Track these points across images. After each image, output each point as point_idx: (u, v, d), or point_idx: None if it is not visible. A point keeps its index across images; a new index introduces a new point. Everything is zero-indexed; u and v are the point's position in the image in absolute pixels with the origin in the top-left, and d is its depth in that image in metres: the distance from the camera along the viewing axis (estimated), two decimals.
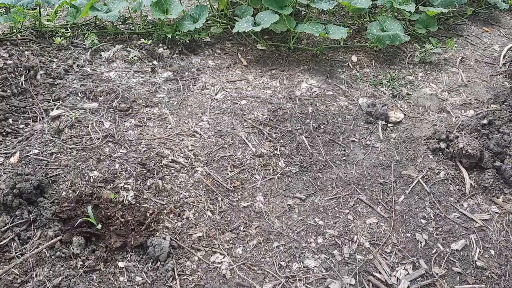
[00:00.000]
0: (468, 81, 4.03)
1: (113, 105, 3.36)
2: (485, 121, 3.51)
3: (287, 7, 4.09)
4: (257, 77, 3.87)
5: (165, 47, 4.10)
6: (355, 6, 4.15)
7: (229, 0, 4.61)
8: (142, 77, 3.70)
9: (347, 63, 4.15)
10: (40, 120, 3.16)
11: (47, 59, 3.77)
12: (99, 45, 3.99)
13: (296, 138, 3.26)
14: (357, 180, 2.97)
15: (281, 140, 3.22)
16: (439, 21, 4.70)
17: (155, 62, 3.90)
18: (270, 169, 2.98)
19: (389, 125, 3.49)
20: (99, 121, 3.20)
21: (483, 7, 5.05)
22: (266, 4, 4.04)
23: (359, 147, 3.25)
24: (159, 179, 2.81)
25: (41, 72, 3.57)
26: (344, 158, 3.14)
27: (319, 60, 4.16)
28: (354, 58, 4.23)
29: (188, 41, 4.06)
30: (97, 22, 4.35)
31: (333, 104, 3.63)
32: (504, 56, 4.39)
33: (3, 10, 4.37)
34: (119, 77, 3.67)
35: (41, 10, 4.17)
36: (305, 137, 3.28)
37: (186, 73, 3.82)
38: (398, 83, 3.92)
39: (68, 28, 4.24)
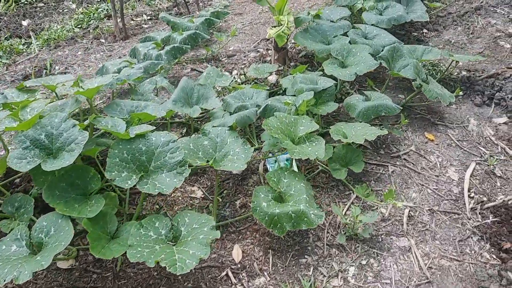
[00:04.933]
0: (430, 267, 2.37)
1: None
2: None
3: (97, 196, 2.16)
4: None
5: None
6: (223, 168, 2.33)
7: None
8: None
9: (224, 271, 2.31)
10: None
11: None
12: None
13: None
14: None
15: None
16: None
17: None
18: None
19: None
20: None
21: (415, 91, 3.46)
22: (51, 201, 2.08)
23: None
24: None
25: None
26: None
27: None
28: (236, 253, 2.40)
29: None
30: None
31: None
32: (469, 191, 2.81)
33: None
34: None
35: None
36: None
37: None
38: None
39: None
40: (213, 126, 2.57)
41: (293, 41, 4.25)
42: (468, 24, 4.55)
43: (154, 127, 2.41)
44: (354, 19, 4.43)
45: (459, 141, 3.19)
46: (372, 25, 3.81)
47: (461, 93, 3.32)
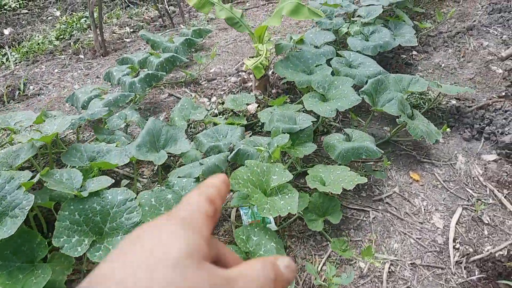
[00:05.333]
0: None
1: None
2: None
3: (44, 265, 1.98)
4: None
5: None
6: None
7: None
8: None
9: None
10: None
11: None
12: None
13: None
14: None
15: None
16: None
17: None
18: None
19: None
20: None
21: (399, 126, 3.28)
22: None
23: None
24: None
25: None
26: None
27: None
28: None
29: None
30: None
31: None
32: (455, 242, 2.64)
33: None
34: None
35: None
36: None
37: None
38: None
39: None
40: (178, 177, 2.39)
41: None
42: (459, 46, 4.37)
43: (113, 181, 2.23)
44: (341, 40, 4.24)
45: (446, 181, 3.02)
46: (357, 51, 3.62)
47: (448, 129, 3.14)
